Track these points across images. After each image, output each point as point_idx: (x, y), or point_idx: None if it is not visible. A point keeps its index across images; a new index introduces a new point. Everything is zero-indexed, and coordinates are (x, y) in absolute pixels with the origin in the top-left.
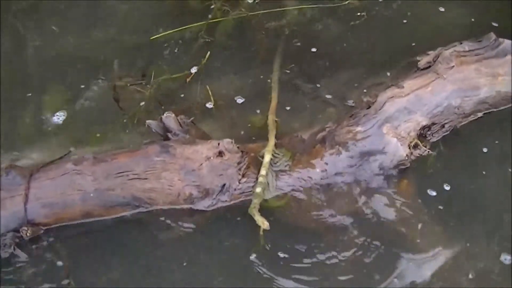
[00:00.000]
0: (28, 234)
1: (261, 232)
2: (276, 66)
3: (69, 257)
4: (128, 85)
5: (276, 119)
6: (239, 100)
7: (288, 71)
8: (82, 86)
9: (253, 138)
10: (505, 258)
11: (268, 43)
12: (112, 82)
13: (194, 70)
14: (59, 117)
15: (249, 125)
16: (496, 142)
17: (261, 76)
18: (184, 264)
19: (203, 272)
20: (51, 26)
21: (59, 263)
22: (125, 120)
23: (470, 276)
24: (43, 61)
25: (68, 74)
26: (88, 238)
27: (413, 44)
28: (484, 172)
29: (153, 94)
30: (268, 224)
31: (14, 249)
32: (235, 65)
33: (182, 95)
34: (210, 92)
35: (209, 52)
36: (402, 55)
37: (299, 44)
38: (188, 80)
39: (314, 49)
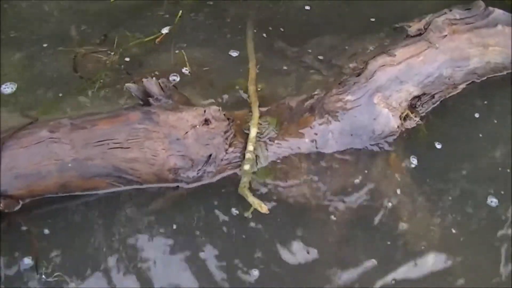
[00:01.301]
0: (0, 206)
1: (249, 213)
2: (249, 33)
3: (43, 234)
4: (89, 53)
5: (259, 88)
6: (216, 65)
7: (266, 34)
8: (39, 54)
9: (235, 104)
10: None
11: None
12: (71, 50)
13: (165, 30)
14: (7, 88)
15: (231, 90)
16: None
17: (237, 41)
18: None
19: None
20: None
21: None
22: (87, 89)
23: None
24: None
25: (23, 43)
26: (64, 213)
27: (398, 8)
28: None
29: (117, 61)
30: (266, 208)
31: None
32: (207, 29)
33: (152, 61)
34: (185, 57)
35: (181, 11)
36: (387, 19)
37: (280, 5)
38: (158, 41)
39: (296, 12)
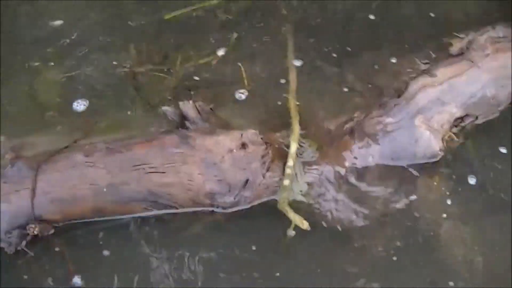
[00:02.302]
0: (35, 231)
1: (291, 231)
2: (290, 46)
3: (77, 257)
4: (149, 72)
5: (298, 103)
6: (272, 81)
7: (309, 52)
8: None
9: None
10: None
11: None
12: (131, 69)
13: (221, 52)
14: (79, 105)
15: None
16: None
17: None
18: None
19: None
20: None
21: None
22: (148, 108)
23: None
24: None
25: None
26: (99, 236)
27: (441, 24)
28: None
29: (178, 79)
30: (307, 224)
31: (21, 247)
32: (263, 45)
33: (211, 80)
34: (244, 74)
35: (235, 34)
36: (429, 37)
37: (319, 21)
38: (214, 62)
39: (335, 28)
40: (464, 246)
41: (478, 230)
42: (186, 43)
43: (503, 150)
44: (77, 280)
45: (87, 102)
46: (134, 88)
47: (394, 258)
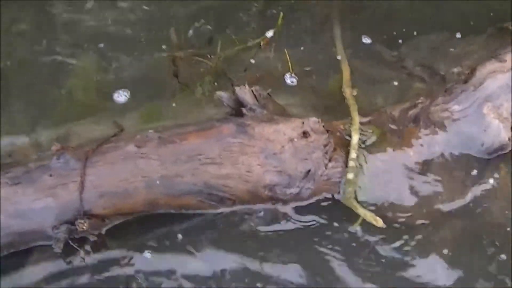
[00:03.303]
0: (84, 227)
1: (357, 225)
2: (337, 31)
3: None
4: (190, 56)
5: (355, 91)
6: (320, 68)
7: (359, 35)
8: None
9: (336, 111)
10: None
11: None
12: (171, 54)
13: (270, 34)
14: (120, 96)
15: (333, 96)
16: None
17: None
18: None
19: None
20: None
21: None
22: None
23: None
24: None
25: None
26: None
27: (503, 9)
28: None
29: (219, 65)
30: (382, 221)
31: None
32: (310, 30)
33: (256, 66)
34: (289, 59)
35: (282, 14)
36: (489, 18)
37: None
38: (263, 44)
39: (391, 10)
40: None
41: None
42: (230, 25)
43: None
44: None
45: (128, 92)
46: (174, 74)
47: (458, 255)
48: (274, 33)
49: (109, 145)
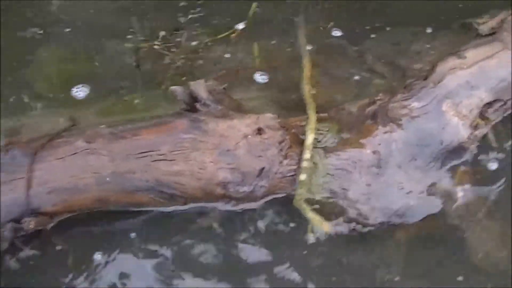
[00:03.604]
0: (31, 225)
1: (310, 234)
2: (301, 29)
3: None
4: (154, 47)
5: (315, 87)
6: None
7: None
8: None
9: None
10: None
11: None
12: (135, 45)
13: (241, 26)
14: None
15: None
16: None
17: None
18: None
19: None
20: None
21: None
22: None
23: None
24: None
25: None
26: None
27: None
28: None
29: (185, 58)
30: (329, 225)
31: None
32: (281, 23)
33: (224, 57)
34: (256, 52)
35: (254, 4)
36: (453, 14)
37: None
38: (233, 37)
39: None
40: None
41: None
42: (198, 17)
43: None
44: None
45: (88, 86)
46: (137, 66)
47: (413, 256)
48: (245, 25)
49: (60, 140)
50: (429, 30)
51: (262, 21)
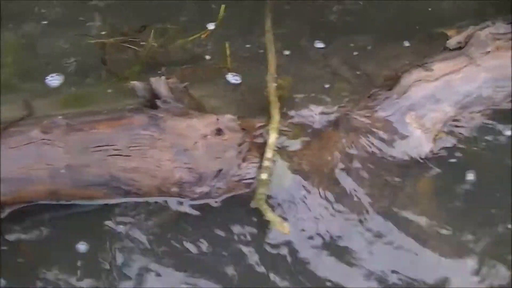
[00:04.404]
0: None
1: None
2: (268, 22)
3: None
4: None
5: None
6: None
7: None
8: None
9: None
10: None
11: None
12: (100, 40)
13: (211, 26)
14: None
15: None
16: None
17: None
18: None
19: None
20: None
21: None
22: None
23: None
24: None
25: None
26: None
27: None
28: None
29: (150, 54)
30: (289, 229)
31: None
32: (251, 23)
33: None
34: (228, 52)
35: (223, 6)
36: (420, 24)
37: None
38: (204, 37)
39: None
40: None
41: None
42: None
43: None
44: None
45: (60, 76)
46: (101, 60)
47: (376, 261)
48: (216, 25)
49: (15, 129)
50: (395, 39)
51: (231, 21)
